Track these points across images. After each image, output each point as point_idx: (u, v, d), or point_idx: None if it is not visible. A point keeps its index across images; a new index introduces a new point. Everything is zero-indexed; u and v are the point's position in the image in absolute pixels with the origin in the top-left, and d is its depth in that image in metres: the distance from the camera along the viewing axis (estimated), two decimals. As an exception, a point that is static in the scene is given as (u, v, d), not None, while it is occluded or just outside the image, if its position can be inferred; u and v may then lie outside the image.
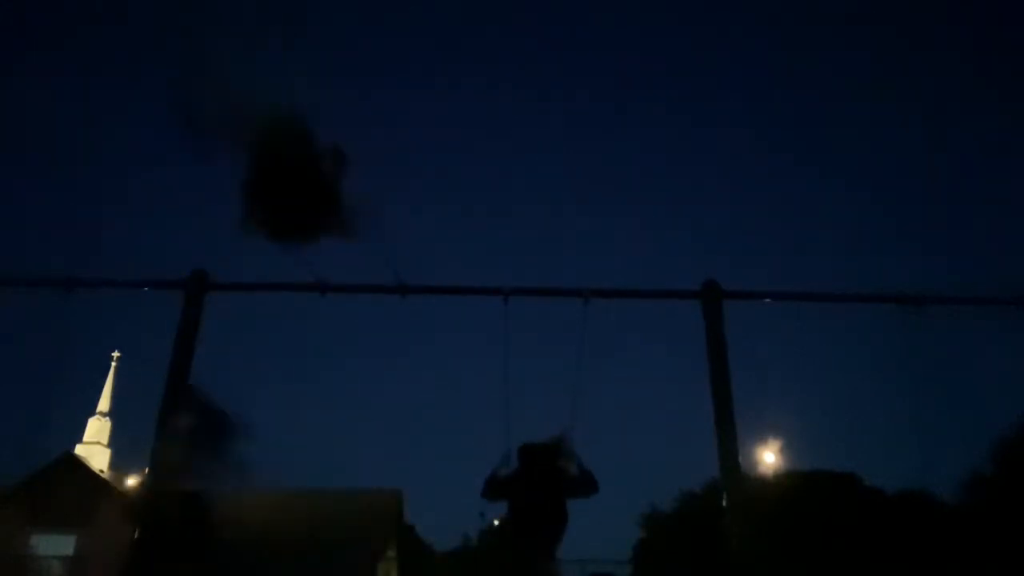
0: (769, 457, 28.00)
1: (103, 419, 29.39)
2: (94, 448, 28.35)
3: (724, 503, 4.94)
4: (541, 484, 5.07)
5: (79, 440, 28.57)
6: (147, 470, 5.07)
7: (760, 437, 27.88)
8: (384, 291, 5.68)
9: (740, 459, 5.06)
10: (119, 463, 28.55)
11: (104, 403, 29.69)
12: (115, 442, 29.34)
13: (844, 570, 22.76)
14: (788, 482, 26.26)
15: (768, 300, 5.80)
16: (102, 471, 26.58)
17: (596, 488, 5.15)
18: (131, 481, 25.25)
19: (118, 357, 29.85)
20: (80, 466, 25.21)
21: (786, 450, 28.27)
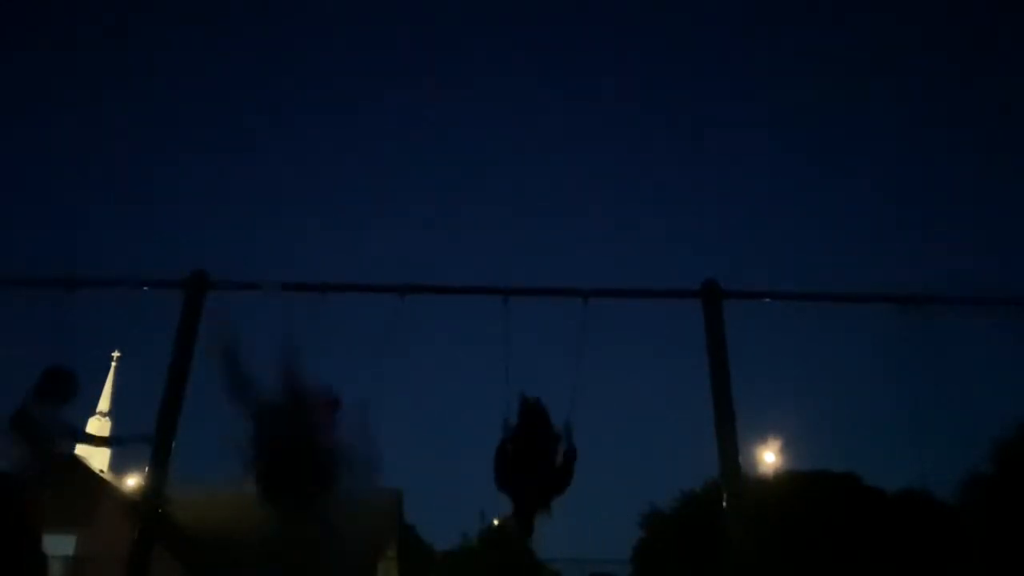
0: (769, 457, 28.01)
1: (103, 419, 29.39)
2: (94, 448, 28.33)
3: (724, 503, 4.93)
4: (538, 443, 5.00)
5: (79, 440, 28.52)
6: (147, 469, 5.07)
7: (760, 437, 27.90)
8: (384, 291, 5.67)
9: (740, 459, 5.05)
10: (119, 463, 28.56)
11: (104, 403, 29.70)
12: (115, 442, 29.30)
13: (844, 570, 22.75)
14: (788, 482, 26.25)
15: (768, 300, 5.80)
16: (102, 471, 26.54)
17: (568, 483, 5.00)
18: (131, 481, 25.23)
19: (118, 357, 29.87)
20: (80, 466, 25.16)
21: (786, 450, 28.29)
